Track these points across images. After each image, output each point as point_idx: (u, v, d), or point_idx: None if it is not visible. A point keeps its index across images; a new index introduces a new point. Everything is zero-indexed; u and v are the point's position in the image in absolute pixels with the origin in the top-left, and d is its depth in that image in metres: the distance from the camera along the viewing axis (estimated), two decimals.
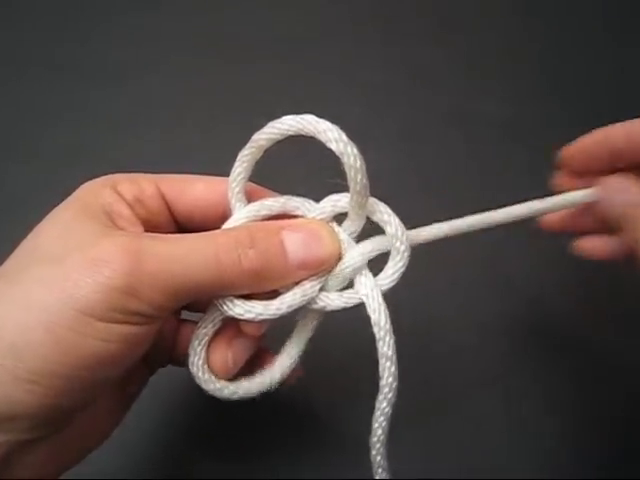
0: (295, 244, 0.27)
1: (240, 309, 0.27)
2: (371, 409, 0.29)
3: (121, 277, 0.24)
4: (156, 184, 0.30)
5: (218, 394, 0.29)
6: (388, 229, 0.28)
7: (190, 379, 0.29)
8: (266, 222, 0.28)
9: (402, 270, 0.28)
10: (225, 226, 0.29)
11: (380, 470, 0.29)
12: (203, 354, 0.29)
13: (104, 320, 0.24)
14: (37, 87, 0.51)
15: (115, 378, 0.27)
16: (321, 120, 0.26)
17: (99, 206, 0.27)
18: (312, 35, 0.54)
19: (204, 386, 0.29)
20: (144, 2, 0.56)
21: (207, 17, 0.55)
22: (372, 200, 0.28)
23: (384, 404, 0.28)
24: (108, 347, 0.24)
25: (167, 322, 0.31)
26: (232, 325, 0.29)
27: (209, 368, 0.29)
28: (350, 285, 0.29)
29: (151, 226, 0.29)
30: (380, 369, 0.28)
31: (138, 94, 0.51)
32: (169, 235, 0.27)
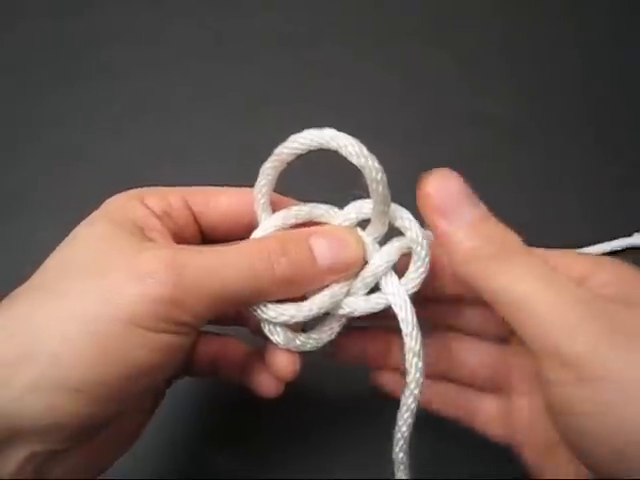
0: (323, 249, 0.28)
1: (273, 312, 0.28)
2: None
3: (167, 289, 0.24)
4: (183, 197, 0.30)
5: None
6: (409, 235, 0.29)
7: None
8: (294, 230, 0.30)
9: (424, 275, 0.29)
10: (254, 236, 0.30)
11: (402, 467, 0.30)
12: None
13: (151, 330, 0.24)
14: (37, 87, 0.50)
15: (153, 388, 0.27)
16: (342, 134, 0.27)
17: (130, 220, 0.28)
18: (312, 35, 0.54)
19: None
20: (144, 2, 0.55)
21: (208, 17, 0.55)
22: (394, 206, 0.29)
23: (410, 399, 0.29)
24: (153, 357, 0.25)
25: None
26: None
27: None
28: (373, 291, 0.30)
29: (179, 238, 0.30)
30: (407, 365, 0.29)
31: (138, 94, 0.50)
32: (203, 247, 0.28)
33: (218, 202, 0.31)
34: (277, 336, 0.29)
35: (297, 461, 0.37)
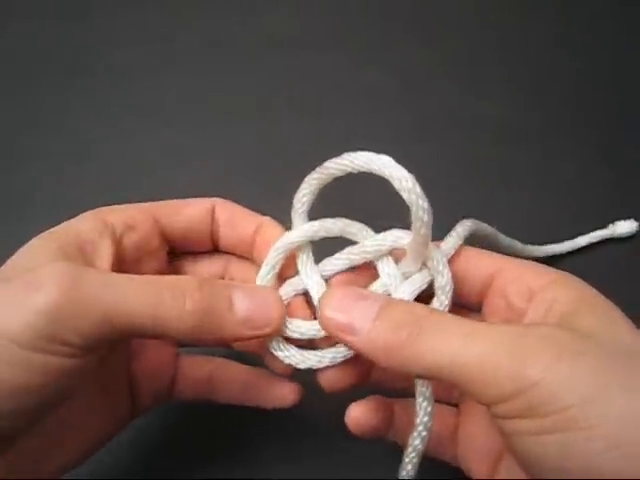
0: (242, 300, 0.27)
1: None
2: None
3: (52, 301, 0.23)
4: (148, 210, 0.30)
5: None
6: (439, 280, 0.28)
7: None
8: (217, 279, 0.30)
9: None
10: (281, 241, 0.29)
11: None
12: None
13: (30, 349, 0.23)
14: (41, 88, 0.51)
15: (53, 406, 0.25)
16: (398, 166, 0.26)
17: (74, 237, 0.27)
18: (306, 38, 0.53)
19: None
20: (145, 3, 0.55)
21: (207, 19, 0.54)
22: (432, 245, 0.28)
23: (417, 441, 0.28)
24: (33, 378, 0.23)
25: (161, 357, 0.32)
26: None
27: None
28: None
29: (144, 251, 0.30)
30: (417, 407, 0.28)
31: (141, 95, 0.50)
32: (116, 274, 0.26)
33: (183, 213, 0.30)
34: (280, 351, 0.29)
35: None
